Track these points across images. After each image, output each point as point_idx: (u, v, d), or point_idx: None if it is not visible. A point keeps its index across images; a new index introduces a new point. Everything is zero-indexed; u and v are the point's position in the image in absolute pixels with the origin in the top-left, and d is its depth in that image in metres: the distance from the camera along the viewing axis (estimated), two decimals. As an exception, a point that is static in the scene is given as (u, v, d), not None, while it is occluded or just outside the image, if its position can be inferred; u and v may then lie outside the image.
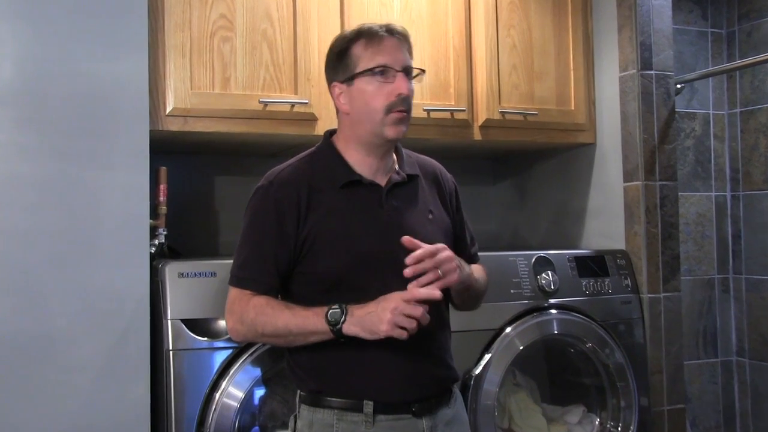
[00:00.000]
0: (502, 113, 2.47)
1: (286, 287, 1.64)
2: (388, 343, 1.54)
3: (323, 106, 2.23)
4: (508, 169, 3.10)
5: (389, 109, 1.61)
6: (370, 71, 1.60)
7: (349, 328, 1.50)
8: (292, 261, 1.61)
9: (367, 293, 1.56)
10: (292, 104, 2.19)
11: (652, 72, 2.53)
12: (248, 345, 1.93)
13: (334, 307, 1.52)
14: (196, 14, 2.10)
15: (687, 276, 3.10)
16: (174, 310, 1.90)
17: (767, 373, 3.10)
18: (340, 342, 1.54)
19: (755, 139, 3.15)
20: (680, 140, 3.14)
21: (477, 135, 2.46)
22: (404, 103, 1.61)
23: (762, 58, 2.64)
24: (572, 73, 2.62)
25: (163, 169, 2.12)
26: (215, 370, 1.90)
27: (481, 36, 2.46)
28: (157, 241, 2.08)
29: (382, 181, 1.66)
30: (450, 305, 1.76)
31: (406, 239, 1.53)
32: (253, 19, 2.16)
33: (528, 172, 3.01)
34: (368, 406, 1.56)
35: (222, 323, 1.91)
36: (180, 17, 2.08)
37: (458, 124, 2.43)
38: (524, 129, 2.53)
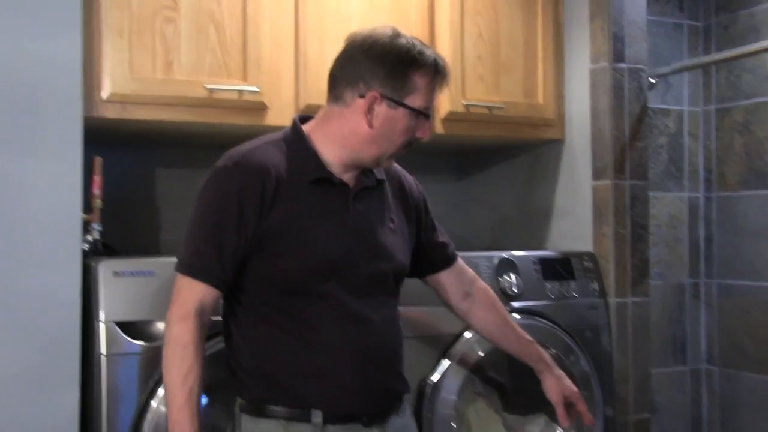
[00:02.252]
0: (466, 106, 2.47)
1: (237, 284, 1.60)
2: (341, 350, 1.56)
3: (274, 95, 2.22)
4: (472, 165, 3.11)
5: (404, 146, 1.63)
6: (418, 111, 1.60)
7: None
8: (246, 255, 1.57)
9: (325, 301, 1.57)
10: (241, 92, 2.17)
11: (624, 65, 2.55)
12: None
13: None
14: (137, -9, 2.07)
15: (657, 280, 3.14)
16: (108, 312, 1.86)
17: (737, 381, 3.16)
18: (289, 347, 1.55)
19: (730, 138, 3.20)
20: (653, 137, 3.17)
21: (439, 128, 2.46)
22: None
23: (737, 53, 2.68)
24: (541, 64, 2.63)
25: (98, 160, 2.08)
26: (153, 376, 1.87)
27: (445, 23, 2.46)
28: (90, 237, 2.04)
29: (350, 182, 1.64)
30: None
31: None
32: (199, -2, 2.14)
33: (493, 168, 3.02)
34: (317, 415, 1.56)
35: (161, 325, 1.88)
36: (119, -6, 2.04)
37: (419, 117, 2.42)
38: (489, 123, 2.54)
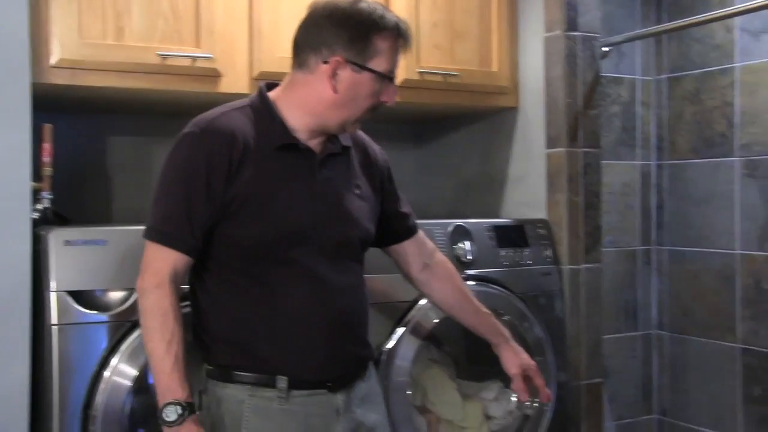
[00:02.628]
0: (421, 73, 2.47)
1: (204, 250, 1.59)
2: (307, 316, 1.57)
3: (228, 62, 2.19)
4: (430, 133, 3.11)
5: (369, 111, 1.63)
6: (382, 75, 1.60)
7: None
8: (215, 221, 1.57)
9: (292, 266, 1.57)
10: (194, 58, 2.14)
11: (577, 33, 2.57)
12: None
13: (175, 405, 1.51)
14: (85, -46, 2.01)
15: (610, 247, 3.20)
16: (60, 282, 1.84)
17: (686, 346, 3.24)
18: (256, 313, 1.56)
19: (681, 107, 3.25)
20: (606, 106, 3.21)
21: (394, 96, 2.45)
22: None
23: (686, 22, 2.71)
24: (496, 32, 2.63)
25: (48, 127, 2.04)
26: (105, 346, 1.86)
27: (400, -10, 2.44)
28: (40, 206, 2.01)
29: (317, 148, 1.64)
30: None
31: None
32: (150, -38, 2.09)
33: (451, 136, 3.03)
34: (282, 381, 1.57)
35: (114, 295, 1.88)
36: (66, -43, 1.99)
37: (374, 84, 2.41)
38: (444, 90, 2.54)
